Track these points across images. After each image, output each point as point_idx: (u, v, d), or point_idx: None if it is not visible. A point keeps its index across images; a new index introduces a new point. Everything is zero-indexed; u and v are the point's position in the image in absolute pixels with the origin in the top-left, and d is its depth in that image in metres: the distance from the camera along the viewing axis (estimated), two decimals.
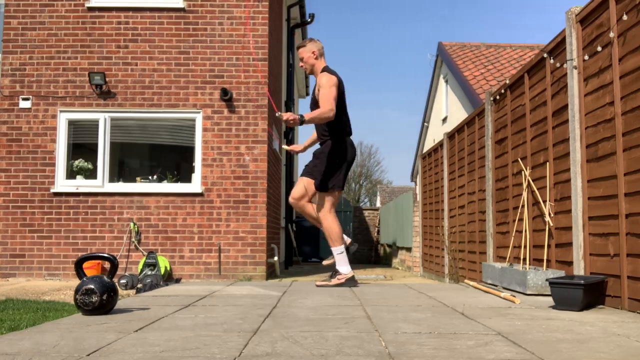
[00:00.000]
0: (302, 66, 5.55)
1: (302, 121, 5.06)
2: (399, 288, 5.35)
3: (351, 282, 5.34)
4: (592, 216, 4.17)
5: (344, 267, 5.33)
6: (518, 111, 5.77)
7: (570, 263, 4.49)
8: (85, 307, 3.45)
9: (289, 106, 11.99)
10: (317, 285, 5.37)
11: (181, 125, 8.67)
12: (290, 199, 5.58)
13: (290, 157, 12.52)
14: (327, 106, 5.14)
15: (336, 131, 5.37)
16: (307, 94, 18.01)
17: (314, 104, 5.36)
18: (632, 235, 3.63)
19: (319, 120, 5.21)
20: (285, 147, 6.17)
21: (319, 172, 5.34)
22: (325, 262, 5.53)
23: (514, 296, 4.24)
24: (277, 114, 5.15)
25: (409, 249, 12.97)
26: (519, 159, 5.63)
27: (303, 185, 5.47)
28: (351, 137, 5.53)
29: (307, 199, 5.49)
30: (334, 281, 5.33)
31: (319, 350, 2.41)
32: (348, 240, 5.55)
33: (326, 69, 5.42)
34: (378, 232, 20.43)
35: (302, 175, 5.56)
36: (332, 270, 5.47)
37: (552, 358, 2.27)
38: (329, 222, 5.34)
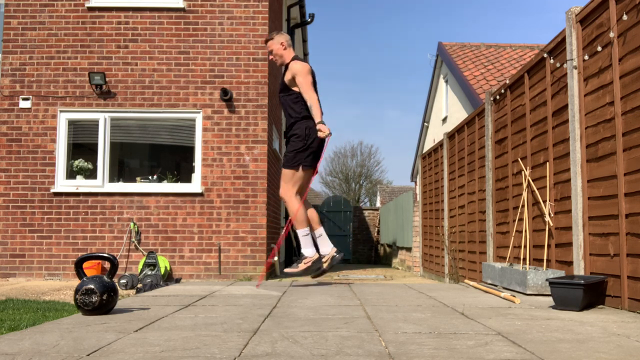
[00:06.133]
0: (272, 58, 5.67)
1: (323, 123, 5.24)
2: (399, 288, 5.35)
3: (317, 263, 5.44)
4: (592, 216, 4.17)
5: (308, 250, 5.42)
6: (518, 111, 5.77)
7: (570, 263, 4.49)
8: (85, 307, 3.45)
9: None
10: (286, 272, 5.43)
11: (181, 125, 8.67)
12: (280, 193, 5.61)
13: None
14: (313, 95, 5.35)
15: (307, 114, 5.45)
16: None
17: (284, 89, 5.50)
18: (632, 235, 3.63)
19: (321, 110, 5.34)
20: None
21: (289, 152, 5.43)
22: (287, 270, 5.50)
23: (514, 296, 4.24)
24: (326, 136, 5.23)
25: (409, 249, 12.98)
26: (519, 159, 5.63)
27: None
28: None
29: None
30: (301, 266, 5.40)
31: (319, 350, 2.41)
32: (332, 249, 5.53)
33: (296, 58, 5.57)
34: (378, 232, 20.43)
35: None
36: (302, 257, 5.52)
37: (552, 358, 2.27)
38: (292, 204, 5.38)
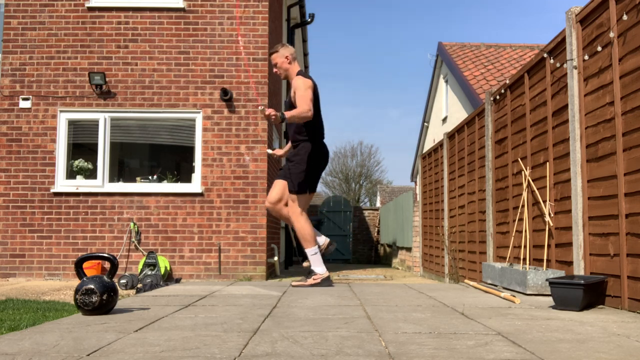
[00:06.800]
0: (276, 72, 5.58)
1: (282, 118, 5.08)
2: (399, 288, 5.35)
3: (326, 282, 5.42)
4: (592, 216, 4.17)
5: (319, 268, 5.41)
6: (518, 111, 5.77)
7: (570, 263, 4.50)
8: (85, 307, 3.45)
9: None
10: (293, 286, 5.41)
11: (181, 125, 8.67)
12: (267, 203, 5.58)
13: None
14: (304, 106, 5.18)
15: (310, 134, 5.42)
16: None
17: (290, 108, 5.40)
18: (632, 235, 3.63)
19: (298, 120, 5.22)
20: (269, 150, 6.16)
21: (293, 175, 5.38)
22: (305, 264, 5.58)
23: (514, 296, 4.25)
24: (259, 108, 5.18)
25: (409, 249, 12.97)
26: (519, 159, 5.63)
27: (280, 188, 5.48)
28: (324, 141, 5.57)
29: (284, 203, 5.51)
30: (310, 281, 5.38)
31: (319, 350, 2.41)
32: (326, 240, 5.56)
33: (301, 73, 5.47)
34: (378, 232, 20.43)
35: (278, 178, 5.56)
36: (308, 270, 5.54)
37: (552, 358, 2.27)
38: (302, 224, 5.39)
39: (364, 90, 75.70)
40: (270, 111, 5.03)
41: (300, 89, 5.27)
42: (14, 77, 8.53)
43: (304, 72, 5.53)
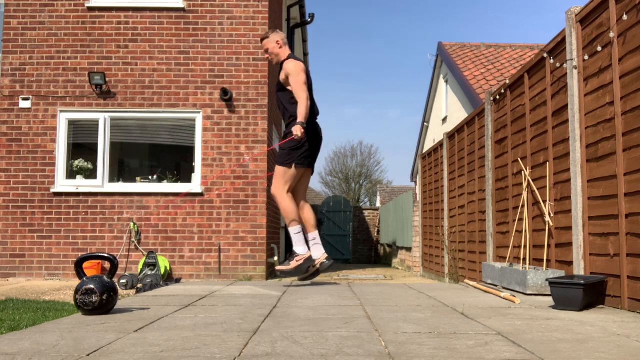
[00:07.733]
0: (267, 57, 5.64)
1: (303, 125, 5.16)
2: (399, 288, 5.35)
3: (309, 261, 5.40)
4: (592, 216, 4.17)
5: (300, 248, 5.38)
6: (518, 111, 5.77)
7: (570, 263, 4.50)
8: (85, 307, 3.45)
9: None
10: (278, 270, 5.38)
11: (181, 125, 8.67)
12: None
13: None
14: (303, 95, 5.25)
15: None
16: None
17: (280, 89, 5.46)
18: (632, 235, 3.63)
19: (306, 111, 5.25)
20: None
21: (282, 148, 5.39)
22: (279, 268, 5.45)
23: (514, 296, 4.25)
24: (287, 139, 5.20)
25: (409, 249, 12.97)
26: (519, 159, 5.63)
27: None
28: (316, 121, 5.56)
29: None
30: (293, 263, 5.36)
31: (319, 350, 2.41)
32: (323, 255, 5.51)
33: (291, 56, 5.52)
34: (378, 232, 20.43)
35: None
36: (291, 252, 5.49)
37: (552, 358, 2.27)
38: (283, 201, 5.36)
39: (363, 90, 75.72)
40: (298, 134, 5.10)
41: (294, 74, 5.33)
42: (14, 77, 8.53)
43: (295, 56, 5.57)
